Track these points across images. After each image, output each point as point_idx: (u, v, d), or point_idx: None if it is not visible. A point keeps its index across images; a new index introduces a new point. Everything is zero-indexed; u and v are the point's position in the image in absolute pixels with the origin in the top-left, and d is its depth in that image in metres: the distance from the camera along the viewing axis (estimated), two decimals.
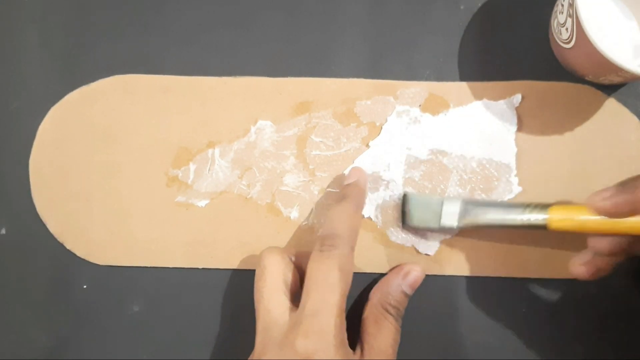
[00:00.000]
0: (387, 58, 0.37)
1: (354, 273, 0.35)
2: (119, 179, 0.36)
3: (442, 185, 0.36)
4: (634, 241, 0.29)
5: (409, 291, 0.34)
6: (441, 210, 0.33)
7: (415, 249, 0.35)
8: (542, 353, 0.35)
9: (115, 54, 0.38)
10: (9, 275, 0.36)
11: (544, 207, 0.31)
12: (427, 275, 0.35)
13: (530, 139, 0.36)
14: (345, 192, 0.34)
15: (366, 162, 0.36)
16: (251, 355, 0.30)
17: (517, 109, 0.36)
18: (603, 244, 0.30)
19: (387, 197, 0.36)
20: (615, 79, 0.33)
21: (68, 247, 0.36)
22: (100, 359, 0.36)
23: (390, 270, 0.35)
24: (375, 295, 0.33)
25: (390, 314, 0.32)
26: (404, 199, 0.35)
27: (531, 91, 0.36)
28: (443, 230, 0.34)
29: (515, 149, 0.36)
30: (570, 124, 0.36)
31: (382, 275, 0.36)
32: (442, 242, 0.35)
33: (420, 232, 0.35)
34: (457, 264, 0.35)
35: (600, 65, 0.31)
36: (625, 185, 0.28)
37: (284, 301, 0.30)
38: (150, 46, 0.38)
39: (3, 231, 0.37)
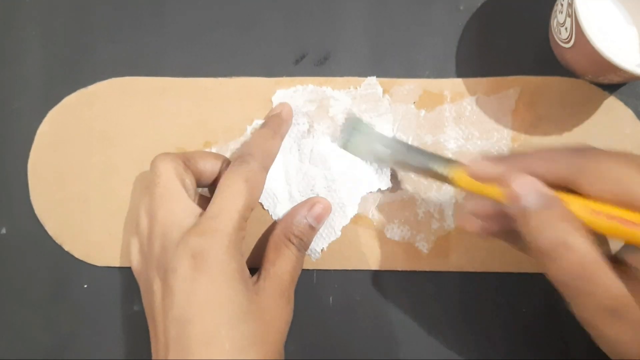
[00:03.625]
0: (387, 58, 0.38)
1: (350, 271, 0.36)
2: (117, 181, 0.37)
3: (437, 182, 0.36)
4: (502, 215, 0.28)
5: (314, 223, 0.34)
6: (376, 146, 0.34)
7: (411, 245, 0.36)
8: (542, 351, 0.35)
9: (113, 56, 0.38)
10: (9, 275, 0.37)
11: (451, 164, 0.30)
12: (423, 272, 0.35)
13: (524, 133, 0.36)
14: (266, 121, 0.36)
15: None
16: (148, 259, 0.30)
17: (511, 103, 0.36)
18: (471, 205, 0.29)
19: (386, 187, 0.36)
20: (614, 79, 0.33)
21: (66, 248, 0.36)
22: (100, 359, 0.36)
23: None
24: (279, 224, 0.34)
25: (292, 242, 0.33)
26: (352, 123, 0.35)
27: (525, 86, 0.36)
28: (375, 160, 0.35)
29: (510, 144, 0.36)
30: (565, 117, 0.36)
31: (378, 272, 0.36)
32: (438, 238, 0.35)
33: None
34: (454, 260, 0.35)
35: (599, 65, 0.31)
36: (505, 158, 0.28)
37: (189, 203, 0.30)
38: (148, 48, 0.38)
39: (3, 231, 0.37)
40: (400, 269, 0.35)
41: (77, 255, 0.36)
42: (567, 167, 0.26)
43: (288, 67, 0.38)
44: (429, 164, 0.31)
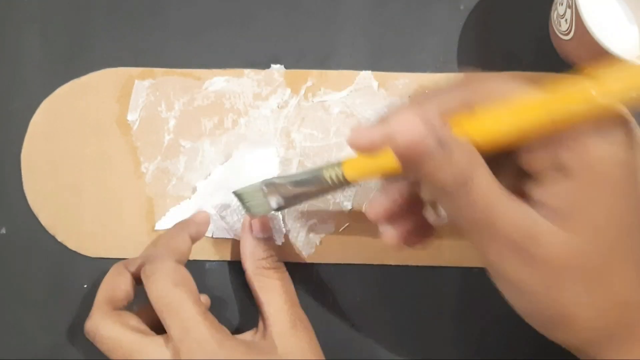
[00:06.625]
0: (387, 58, 0.37)
1: (351, 270, 0.36)
2: (110, 171, 0.37)
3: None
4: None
5: (263, 234, 0.33)
6: (266, 195, 0.31)
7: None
8: (542, 350, 0.35)
9: (110, 49, 0.38)
10: (8, 275, 0.36)
11: (338, 163, 0.27)
12: (422, 268, 0.35)
13: None
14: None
15: None
16: None
17: None
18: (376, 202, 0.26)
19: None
20: None
21: (59, 239, 0.36)
22: (100, 359, 0.36)
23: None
24: (245, 265, 0.33)
25: (268, 268, 0.32)
26: (237, 197, 0.33)
27: None
28: (280, 210, 0.32)
29: None
30: None
31: (378, 271, 0.35)
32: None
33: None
34: (448, 255, 0.35)
35: (599, 56, 0.31)
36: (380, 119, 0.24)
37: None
38: (146, 42, 0.38)
39: (3, 230, 0.37)
40: (393, 264, 0.35)
41: (70, 246, 0.36)
42: (459, 100, 0.23)
43: (288, 67, 0.37)
44: (318, 177, 0.27)
